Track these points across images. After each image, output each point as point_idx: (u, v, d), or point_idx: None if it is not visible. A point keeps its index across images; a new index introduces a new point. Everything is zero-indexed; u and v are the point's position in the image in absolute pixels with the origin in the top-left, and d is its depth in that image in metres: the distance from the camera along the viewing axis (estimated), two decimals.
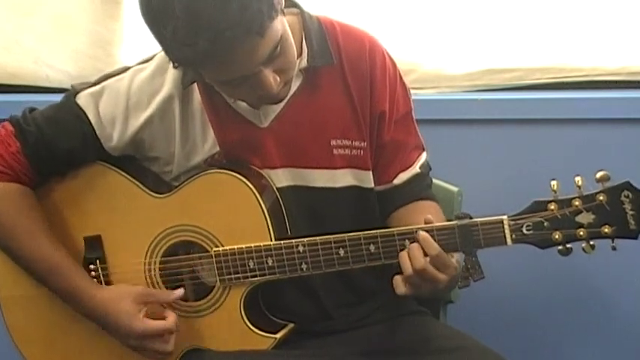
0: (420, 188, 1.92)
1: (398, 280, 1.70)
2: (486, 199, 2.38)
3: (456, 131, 2.49)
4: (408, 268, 1.69)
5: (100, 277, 1.90)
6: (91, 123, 1.86)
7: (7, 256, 1.90)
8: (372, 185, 1.90)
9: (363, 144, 1.87)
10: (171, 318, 1.83)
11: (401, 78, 1.92)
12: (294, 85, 1.83)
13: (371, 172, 1.89)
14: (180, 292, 1.84)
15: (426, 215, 1.75)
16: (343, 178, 1.87)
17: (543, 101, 2.47)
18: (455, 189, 2.12)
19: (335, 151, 1.86)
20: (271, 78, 1.69)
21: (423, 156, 1.95)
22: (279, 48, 1.68)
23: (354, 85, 1.85)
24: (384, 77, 1.87)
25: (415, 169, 1.92)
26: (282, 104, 1.84)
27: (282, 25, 1.69)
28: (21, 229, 1.86)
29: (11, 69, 2.68)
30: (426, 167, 1.95)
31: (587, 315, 2.51)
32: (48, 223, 1.89)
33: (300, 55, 1.81)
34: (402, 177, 1.91)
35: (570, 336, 2.53)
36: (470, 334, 1.89)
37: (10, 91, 2.68)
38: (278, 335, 1.83)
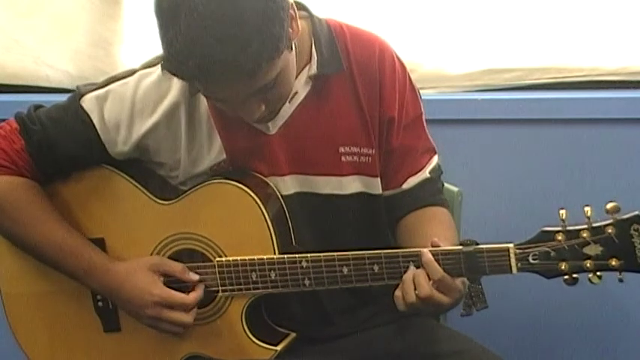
0: (429, 193, 1.89)
1: (399, 298, 1.69)
2: (486, 200, 2.40)
3: (456, 131, 2.49)
4: (411, 295, 1.67)
5: None
6: (95, 127, 1.84)
7: (18, 247, 1.90)
8: (380, 192, 1.87)
9: (371, 151, 1.85)
10: (194, 293, 1.80)
11: (410, 81, 1.89)
12: (303, 92, 1.82)
13: (379, 179, 1.87)
14: (196, 277, 1.82)
15: (433, 233, 1.73)
16: (351, 185, 1.85)
17: (543, 101, 2.47)
18: (455, 189, 2.11)
19: (343, 158, 1.84)
20: (255, 107, 1.68)
21: (434, 160, 1.92)
22: (270, 84, 1.66)
23: (364, 91, 1.83)
24: (394, 82, 1.85)
25: (425, 173, 1.89)
26: (290, 111, 1.82)
27: (285, 60, 1.67)
28: (30, 217, 1.86)
29: (11, 69, 2.68)
30: (437, 172, 1.93)
31: (587, 317, 2.51)
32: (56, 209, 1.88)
33: (309, 61, 1.80)
34: (411, 182, 1.88)
35: (570, 338, 2.53)
36: (470, 336, 1.88)
37: (10, 91, 2.68)
38: (279, 347, 1.82)
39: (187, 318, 1.80)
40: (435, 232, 1.77)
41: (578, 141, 2.45)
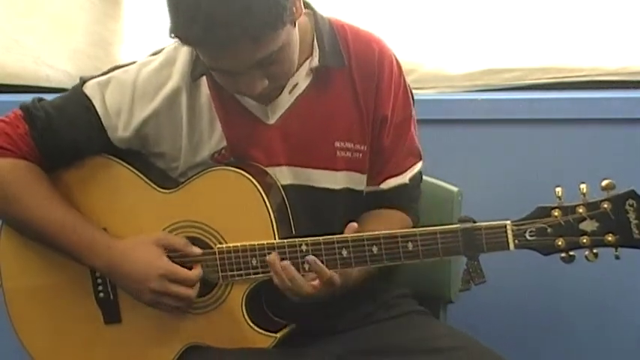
0: (403, 199, 1.93)
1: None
2: (486, 200, 2.39)
3: (456, 131, 2.49)
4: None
5: None
6: (97, 112, 1.87)
7: (19, 229, 1.90)
8: (363, 187, 1.91)
9: (363, 147, 1.88)
10: (195, 270, 1.82)
11: (405, 83, 1.92)
12: (304, 84, 1.84)
13: (365, 176, 1.90)
14: (198, 250, 1.83)
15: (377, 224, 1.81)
16: (342, 180, 1.88)
17: (543, 101, 2.47)
18: (455, 189, 2.12)
19: (338, 153, 1.87)
20: (257, 81, 1.70)
21: (417, 166, 1.95)
22: (273, 56, 1.68)
23: (361, 88, 1.86)
24: (390, 82, 1.88)
25: (404, 179, 1.92)
26: (290, 102, 1.85)
27: (288, 35, 1.70)
28: (32, 196, 1.86)
29: (11, 69, 2.69)
30: (417, 180, 1.95)
31: (587, 315, 2.51)
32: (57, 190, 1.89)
33: (310, 54, 1.83)
34: (390, 183, 1.92)
35: (570, 336, 2.53)
36: (470, 334, 1.88)
37: (10, 91, 2.69)
38: (278, 335, 1.83)
39: (191, 292, 1.81)
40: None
41: (578, 141, 2.45)
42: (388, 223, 1.87)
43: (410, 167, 1.93)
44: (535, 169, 2.47)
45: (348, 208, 1.90)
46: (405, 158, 1.93)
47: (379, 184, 1.92)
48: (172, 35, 1.71)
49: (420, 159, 1.95)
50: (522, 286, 2.50)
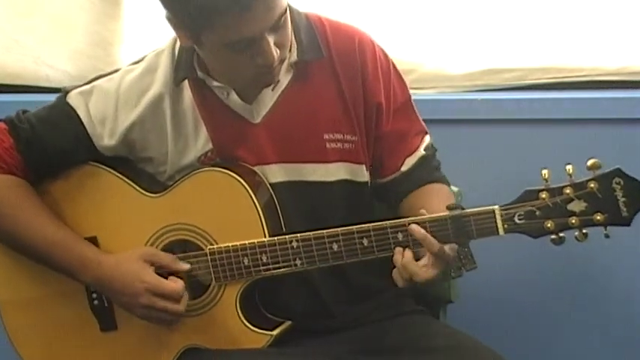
0: (427, 171, 1.94)
1: (396, 273, 1.74)
2: (486, 200, 2.38)
3: (456, 131, 2.49)
4: (405, 278, 1.72)
5: None
6: (82, 122, 1.88)
7: (9, 246, 1.90)
8: (366, 179, 1.91)
9: (354, 137, 1.88)
10: (179, 282, 1.82)
11: (395, 68, 1.93)
12: (285, 80, 1.85)
13: (364, 166, 1.90)
14: (186, 266, 1.84)
15: (429, 207, 1.77)
16: (336, 172, 1.88)
17: (543, 101, 2.47)
18: (455, 189, 2.12)
19: (328, 145, 1.87)
20: (273, 47, 1.71)
21: (427, 139, 1.96)
22: (283, 19, 1.70)
23: (345, 79, 1.87)
24: (376, 70, 1.88)
25: (420, 152, 1.93)
26: (273, 99, 1.85)
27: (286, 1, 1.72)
28: (22, 213, 1.87)
29: (11, 69, 2.69)
30: (431, 149, 1.97)
31: (586, 315, 2.51)
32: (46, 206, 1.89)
33: (289, 50, 1.82)
34: (409, 162, 1.92)
35: (569, 336, 2.53)
36: (470, 333, 1.88)
37: (10, 91, 2.69)
38: (274, 332, 1.83)
39: (179, 307, 1.81)
40: (432, 205, 1.80)
41: (578, 141, 2.45)
42: (437, 198, 1.88)
43: (421, 142, 1.94)
44: (535, 170, 2.46)
45: (348, 200, 1.90)
46: (415, 137, 1.94)
47: (399, 167, 1.92)
48: (191, 14, 1.69)
49: (427, 133, 1.96)
50: (521, 286, 2.50)
